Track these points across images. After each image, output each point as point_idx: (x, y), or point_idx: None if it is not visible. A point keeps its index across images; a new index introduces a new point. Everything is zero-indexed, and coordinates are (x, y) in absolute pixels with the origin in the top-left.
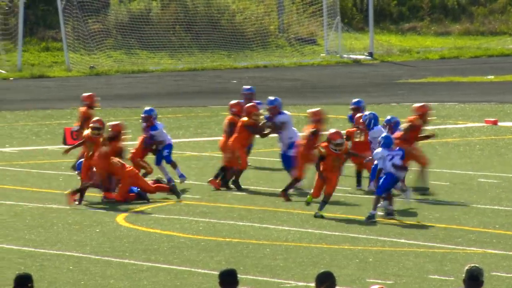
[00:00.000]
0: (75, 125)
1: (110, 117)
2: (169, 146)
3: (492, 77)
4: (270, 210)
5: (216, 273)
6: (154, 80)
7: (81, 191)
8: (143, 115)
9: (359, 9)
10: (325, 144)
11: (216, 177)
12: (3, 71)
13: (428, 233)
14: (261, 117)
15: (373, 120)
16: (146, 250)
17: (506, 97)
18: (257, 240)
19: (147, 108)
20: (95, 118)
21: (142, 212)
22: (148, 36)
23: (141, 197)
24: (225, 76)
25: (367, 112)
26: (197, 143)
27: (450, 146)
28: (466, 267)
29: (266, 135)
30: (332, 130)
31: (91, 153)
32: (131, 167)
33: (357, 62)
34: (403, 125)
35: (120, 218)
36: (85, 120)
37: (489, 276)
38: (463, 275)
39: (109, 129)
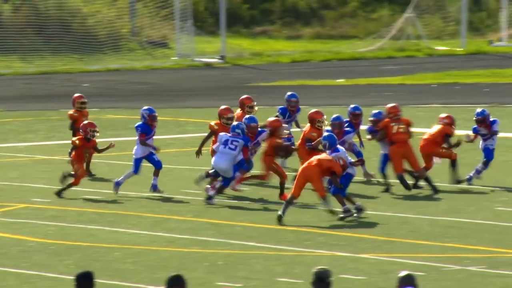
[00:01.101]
0: None
1: None
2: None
3: (343, 80)
4: (121, 213)
5: (66, 277)
6: (4, 84)
7: None
8: (155, 114)
9: (211, 13)
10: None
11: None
12: None
13: (277, 236)
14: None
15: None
16: None
17: (355, 100)
18: (107, 243)
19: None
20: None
21: None
22: None
23: None
24: (76, 79)
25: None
26: (48, 146)
27: None
28: (314, 270)
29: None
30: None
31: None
32: None
33: (208, 65)
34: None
35: None
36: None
37: (338, 279)
38: (312, 278)
39: (267, 125)
